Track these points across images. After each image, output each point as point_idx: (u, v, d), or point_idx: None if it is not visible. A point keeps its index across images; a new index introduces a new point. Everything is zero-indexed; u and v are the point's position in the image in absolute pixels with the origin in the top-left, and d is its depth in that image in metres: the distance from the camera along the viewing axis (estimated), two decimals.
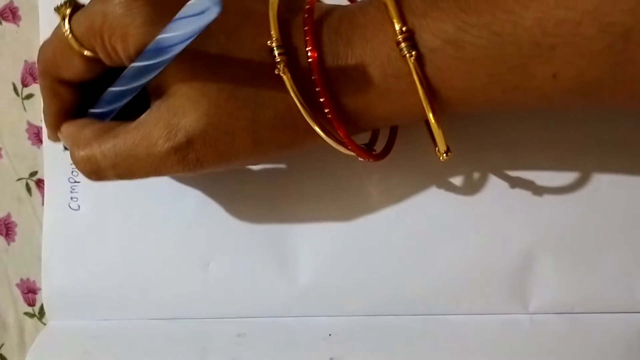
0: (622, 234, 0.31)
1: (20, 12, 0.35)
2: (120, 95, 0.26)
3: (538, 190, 0.31)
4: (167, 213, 0.33)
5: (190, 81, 0.24)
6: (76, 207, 0.33)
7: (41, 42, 0.32)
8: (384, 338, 0.31)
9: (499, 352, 0.30)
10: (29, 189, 0.35)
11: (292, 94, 0.24)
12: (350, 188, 0.32)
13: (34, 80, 0.35)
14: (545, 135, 0.31)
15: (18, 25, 0.35)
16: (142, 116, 0.25)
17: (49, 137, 0.29)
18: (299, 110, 0.24)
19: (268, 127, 0.25)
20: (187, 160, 0.24)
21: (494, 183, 0.31)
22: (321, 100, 0.24)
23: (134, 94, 0.25)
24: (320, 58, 0.24)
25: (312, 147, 0.26)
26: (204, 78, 0.24)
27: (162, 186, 0.33)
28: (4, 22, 0.35)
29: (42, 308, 0.35)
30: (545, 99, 0.24)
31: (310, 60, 0.24)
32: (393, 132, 0.30)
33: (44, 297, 0.34)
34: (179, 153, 0.24)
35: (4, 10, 0.35)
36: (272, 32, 0.24)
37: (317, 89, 0.24)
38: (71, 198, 0.33)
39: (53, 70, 0.27)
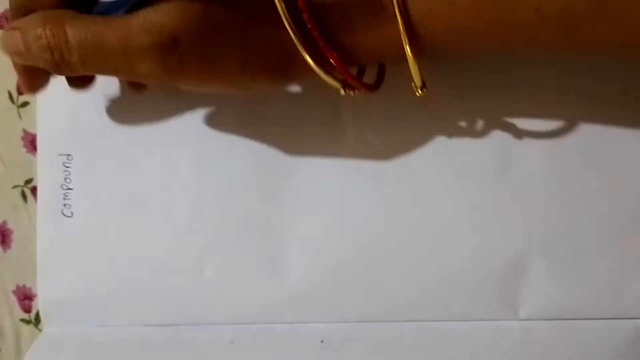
0: (612, 240, 0.31)
1: None
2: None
3: (528, 197, 0.31)
4: (161, 220, 0.33)
5: None
6: (69, 214, 0.34)
7: None
8: (376, 344, 0.31)
9: (490, 358, 0.31)
10: (24, 196, 0.35)
11: (280, 10, 0.23)
12: (342, 195, 0.32)
13: None
14: (539, 140, 0.31)
15: None
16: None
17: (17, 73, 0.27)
18: (289, 40, 0.24)
19: (257, 49, 0.24)
20: (168, 61, 0.23)
21: (484, 190, 0.31)
22: (307, 22, 0.24)
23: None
24: None
25: (300, 79, 0.26)
26: None
27: (156, 193, 0.33)
28: None
29: (38, 314, 0.35)
30: (528, 34, 0.24)
31: None
32: (381, 70, 0.29)
33: (40, 303, 0.34)
34: (161, 51, 0.23)
35: (0, 18, 0.35)
36: None
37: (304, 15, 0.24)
38: (64, 205, 0.33)
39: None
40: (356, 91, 0.26)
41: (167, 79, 0.24)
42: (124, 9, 0.24)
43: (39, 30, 0.23)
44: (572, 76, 0.30)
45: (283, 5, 0.23)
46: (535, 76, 0.31)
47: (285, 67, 0.25)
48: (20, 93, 0.35)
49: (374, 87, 0.28)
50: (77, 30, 0.23)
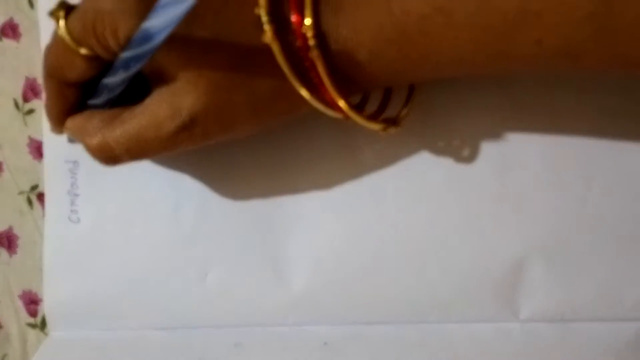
0: (612, 242, 0.31)
1: (20, 29, 0.35)
2: (114, 85, 0.26)
3: (529, 198, 0.31)
4: (165, 225, 0.33)
5: (185, 64, 0.25)
6: (76, 220, 0.34)
7: (42, 58, 0.33)
8: (378, 346, 0.32)
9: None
10: (30, 202, 0.36)
11: (281, 62, 0.24)
12: (343, 199, 0.32)
13: (35, 95, 0.35)
14: (538, 143, 0.31)
15: (18, 42, 0.35)
16: (146, 100, 0.26)
17: (52, 131, 0.30)
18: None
19: (266, 98, 0.26)
20: (194, 136, 0.26)
21: (485, 192, 0.31)
22: (306, 64, 0.24)
23: (127, 83, 0.26)
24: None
25: (309, 112, 0.27)
26: (198, 59, 0.25)
27: (161, 199, 0.33)
28: (4, 39, 0.35)
29: (44, 319, 0.35)
30: (529, 64, 0.24)
31: (294, 21, 0.24)
32: (387, 95, 0.30)
33: (46, 308, 0.34)
34: (186, 130, 0.26)
35: (4, 27, 0.35)
36: (260, 1, 0.24)
37: (302, 55, 0.24)
38: (71, 211, 0.34)
39: (59, 74, 0.27)
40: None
41: (195, 146, 0.27)
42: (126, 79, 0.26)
43: (86, 145, 0.27)
44: (571, 82, 0.31)
45: (281, 52, 0.24)
46: (534, 82, 0.31)
47: (294, 107, 0.26)
48: (25, 100, 0.35)
49: (374, 116, 0.28)
50: (119, 139, 0.26)
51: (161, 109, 0.25)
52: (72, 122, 0.28)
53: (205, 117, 0.25)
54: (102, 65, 0.27)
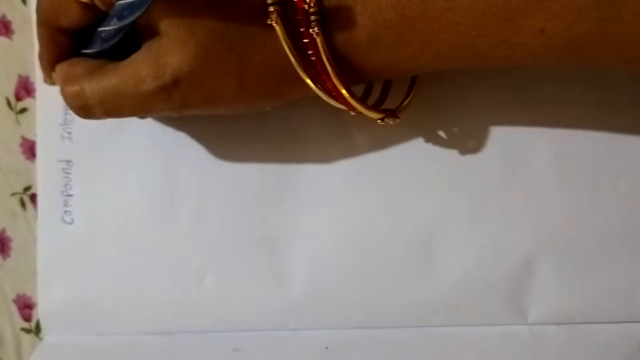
0: (622, 243, 0.30)
1: (13, 26, 0.34)
2: (109, 34, 0.26)
3: (537, 199, 0.31)
4: (162, 226, 0.33)
5: (178, 22, 0.24)
6: (70, 221, 0.33)
7: (35, 56, 0.33)
8: (381, 351, 0.31)
9: None
10: (23, 204, 0.35)
11: (284, 44, 0.24)
12: (345, 199, 0.32)
13: (28, 94, 0.35)
14: (546, 138, 0.31)
15: (11, 39, 0.34)
16: (133, 55, 0.25)
17: (44, 81, 0.30)
18: (288, 59, 0.24)
19: (255, 72, 0.25)
20: (172, 99, 0.25)
21: (491, 189, 0.31)
22: (305, 41, 0.24)
23: (122, 33, 0.26)
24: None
25: (299, 97, 0.26)
26: (192, 19, 0.24)
27: (157, 199, 0.33)
28: None
29: (38, 323, 0.34)
30: (532, 54, 0.24)
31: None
32: (386, 86, 0.29)
33: (40, 312, 0.34)
34: (166, 92, 0.25)
35: None
36: None
37: (303, 31, 0.24)
38: (64, 212, 0.33)
39: (52, 20, 0.27)
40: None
41: (173, 113, 0.26)
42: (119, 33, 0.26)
43: (63, 91, 0.26)
44: (580, 77, 0.30)
45: (285, 34, 0.23)
46: (542, 77, 0.30)
47: (284, 89, 0.26)
48: (18, 99, 0.35)
49: (374, 107, 0.28)
50: (96, 89, 0.25)
51: (145, 65, 0.25)
52: (59, 67, 0.28)
53: (189, 82, 0.25)
54: (97, 14, 0.26)
